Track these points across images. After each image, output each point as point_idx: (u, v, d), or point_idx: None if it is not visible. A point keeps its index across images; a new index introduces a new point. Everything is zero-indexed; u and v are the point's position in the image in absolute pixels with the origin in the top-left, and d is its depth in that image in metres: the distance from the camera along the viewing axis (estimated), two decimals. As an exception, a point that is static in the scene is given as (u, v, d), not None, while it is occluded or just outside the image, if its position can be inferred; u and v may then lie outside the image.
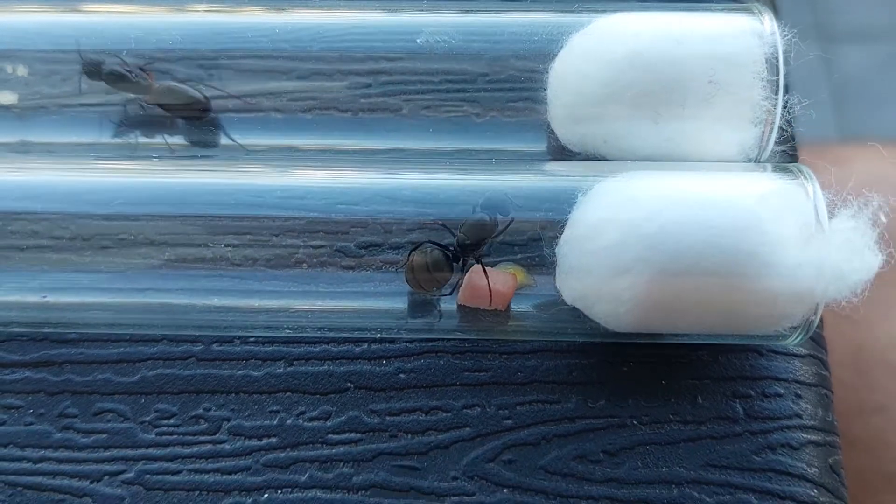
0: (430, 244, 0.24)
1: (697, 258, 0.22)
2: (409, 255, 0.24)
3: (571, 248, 0.23)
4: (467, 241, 0.24)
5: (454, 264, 0.24)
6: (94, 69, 0.26)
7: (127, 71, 0.26)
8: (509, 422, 0.24)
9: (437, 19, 0.26)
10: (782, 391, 0.25)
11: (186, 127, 0.27)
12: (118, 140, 0.27)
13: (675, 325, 0.23)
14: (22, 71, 0.27)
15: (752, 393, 0.24)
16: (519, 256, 0.24)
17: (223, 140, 0.27)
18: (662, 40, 0.24)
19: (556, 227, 0.23)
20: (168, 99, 0.26)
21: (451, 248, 0.24)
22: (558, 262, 0.23)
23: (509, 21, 0.26)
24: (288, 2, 0.30)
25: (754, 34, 0.24)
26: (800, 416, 0.24)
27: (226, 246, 0.25)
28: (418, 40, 0.25)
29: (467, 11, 0.26)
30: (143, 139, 0.27)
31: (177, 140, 0.27)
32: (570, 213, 0.23)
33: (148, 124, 0.27)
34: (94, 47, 0.25)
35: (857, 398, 0.34)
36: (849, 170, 0.27)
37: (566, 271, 0.23)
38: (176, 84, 0.26)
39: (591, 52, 0.24)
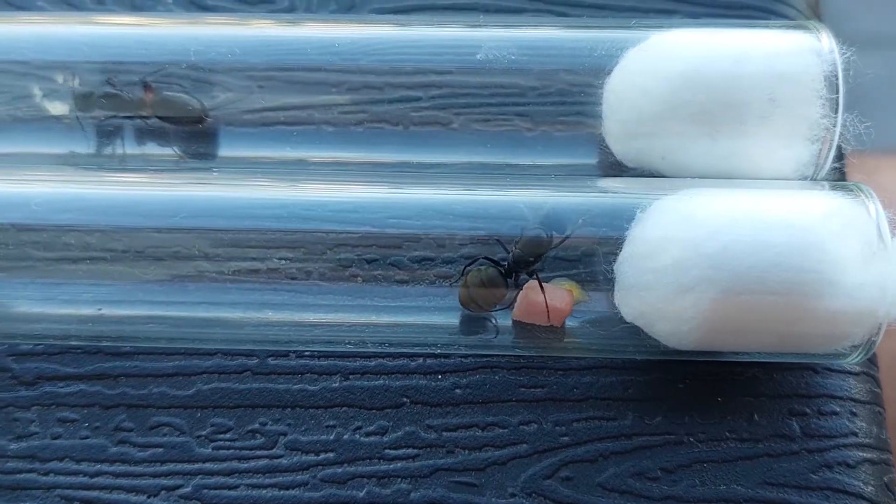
0: (485, 260, 0.24)
1: (760, 277, 0.22)
2: (464, 272, 0.24)
3: (631, 265, 0.23)
4: (523, 257, 0.24)
5: (508, 280, 0.24)
6: (85, 100, 0.26)
7: (119, 90, 0.26)
8: (566, 438, 0.24)
9: (491, 34, 0.26)
10: (838, 409, 0.25)
11: (185, 136, 0.27)
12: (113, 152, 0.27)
13: (736, 344, 0.23)
14: (73, 81, 0.27)
15: (808, 411, 0.24)
16: (573, 272, 0.24)
17: (221, 150, 0.27)
18: (721, 57, 0.24)
19: (613, 243, 0.23)
20: (166, 110, 0.26)
21: (505, 264, 0.24)
22: (617, 279, 0.23)
23: (564, 36, 0.26)
24: (338, 16, 0.30)
25: (812, 52, 0.24)
26: (855, 434, 0.24)
27: (280, 259, 0.25)
28: (478, 56, 0.25)
29: (520, 26, 0.26)
30: (147, 150, 0.27)
31: (171, 151, 0.27)
32: (628, 230, 0.23)
33: (151, 136, 0.27)
34: (152, 59, 0.25)
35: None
36: (879, 180, 0.27)
37: (626, 289, 0.23)
38: (172, 94, 0.26)
39: (649, 68, 0.24)
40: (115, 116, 0.26)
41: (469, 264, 0.24)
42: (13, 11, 0.30)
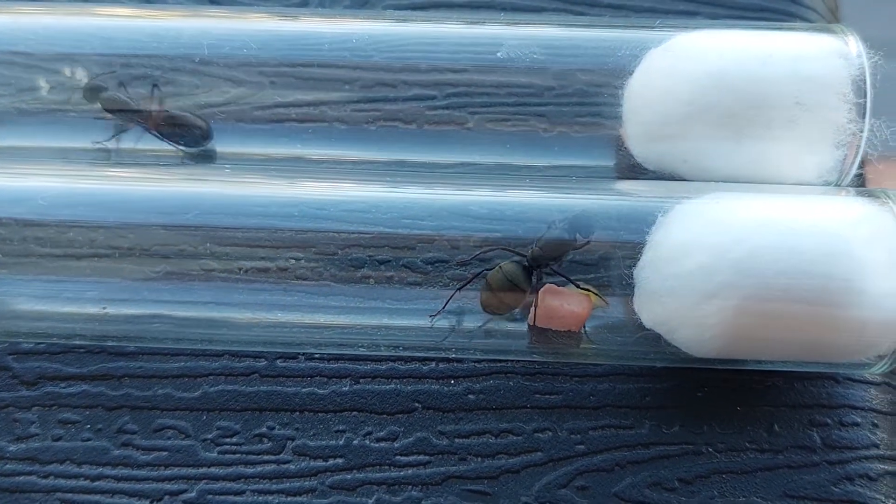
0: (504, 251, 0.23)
1: (787, 285, 0.21)
2: (480, 274, 0.23)
3: (653, 270, 0.22)
4: (542, 257, 0.23)
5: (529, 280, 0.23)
6: (92, 92, 0.25)
7: (129, 97, 0.25)
8: (582, 447, 0.24)
9: (509, 32, 0.26)
10: (859, 420, 0.24)
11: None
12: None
13: (760, 352, 0.22)
14: (80, 74, 0.26)
15: (829, 421, 0.24)
16: (591, 276, 0.24)
17: (232, 147, 0.27)
18: (748, 59, 0.23)
19: (632, 248, 0.23)
20: (171, 127, 0.26)
21: (526, 261, 0.23)
22: (638, 284, 0.23)
23: (586, 36, 0.25)
24: (352, 11, 0.29)
25: (839, 55, 0.24)
26: (877, 447, 0.24)
27: (290, 259, 0.24)
28: (498, 54, 0.25)
29: (539, 24, 0.26)
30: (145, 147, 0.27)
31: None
32: (648, 234, 0.23)
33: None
34: (164, 53, 0.25)
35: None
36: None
37: (647, 294, 0.22)
38: (176, 111, 0.26)
39: (672, 69, 0.24)
40: (117, 119, 0.26)
41: (486, 270, 0.23)
42: (19, 1, 0.29)
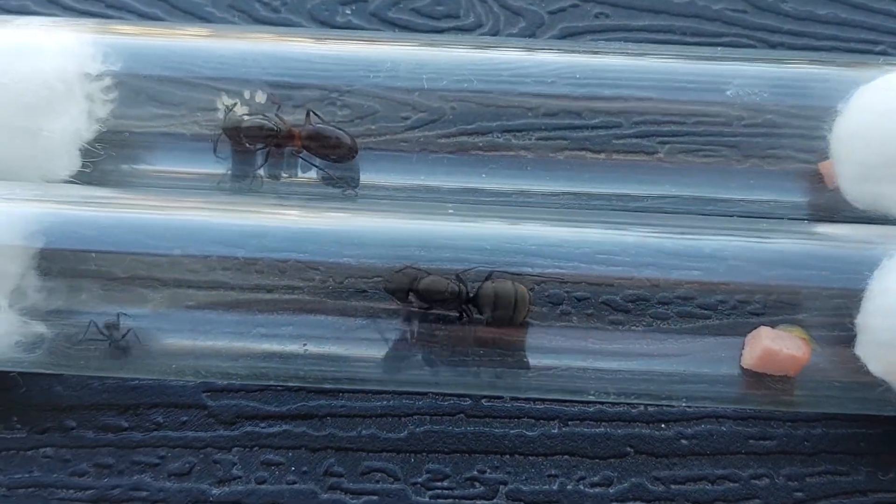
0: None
1: None
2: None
3: (886, 318, 0.22)
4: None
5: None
6: (234, 131, 0.24)
7: (266, 119, 0.24)
8: (800, 494, 0.23)
9: (694, 67, 0.25)
10: None
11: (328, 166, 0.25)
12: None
13: None
14: (260, 97, 0.25)
15: None
16: (799, 317, 0.23)
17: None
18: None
19: (846, 294, 0.22)
20: (316, 143, 0.25)
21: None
22: (864, 331, 0.22)
23: (799, 73, 0.25)
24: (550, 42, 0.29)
25: None
26: None
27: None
28: (728, 92, 0.24)
29: (754, 60, 0.25)
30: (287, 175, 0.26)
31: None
32: (870, 280, 0.22)
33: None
34: (385, 85, 0.24)
35: None
36: None
37: (877, 343, 0.22)
38: (324, 127, 0.25)
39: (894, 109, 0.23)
40: (262, 146, 0.25)
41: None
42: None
